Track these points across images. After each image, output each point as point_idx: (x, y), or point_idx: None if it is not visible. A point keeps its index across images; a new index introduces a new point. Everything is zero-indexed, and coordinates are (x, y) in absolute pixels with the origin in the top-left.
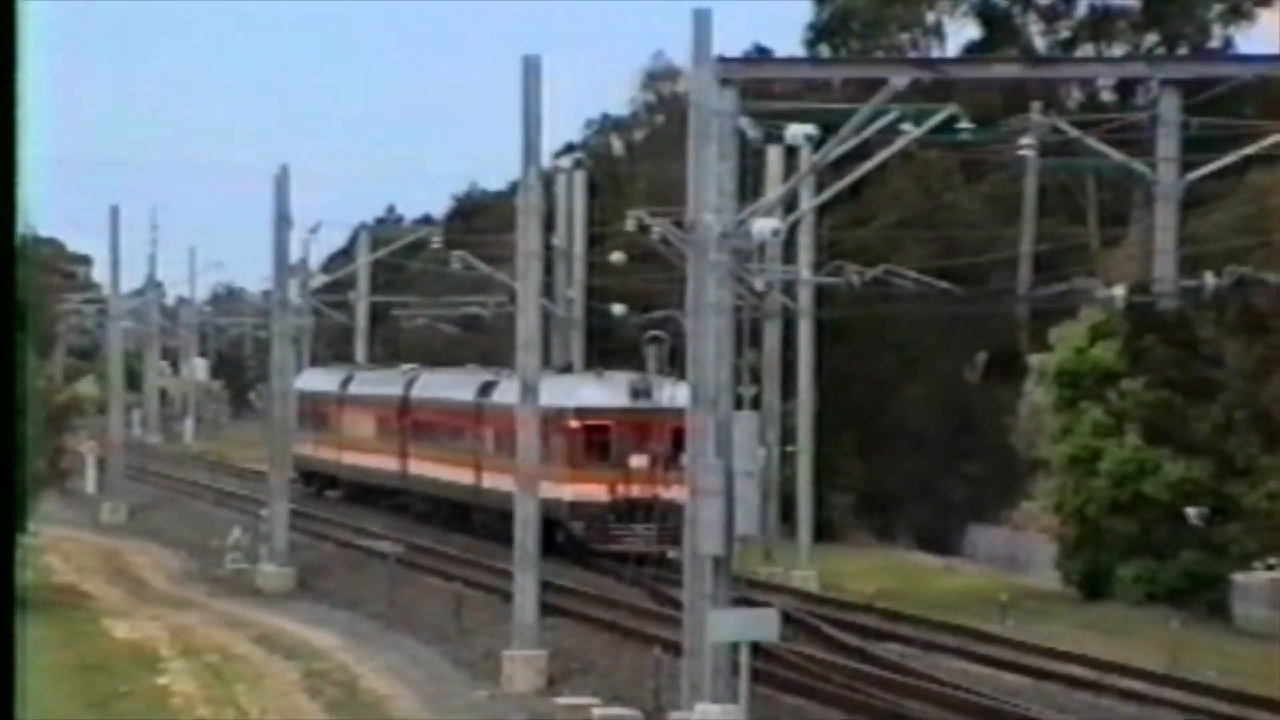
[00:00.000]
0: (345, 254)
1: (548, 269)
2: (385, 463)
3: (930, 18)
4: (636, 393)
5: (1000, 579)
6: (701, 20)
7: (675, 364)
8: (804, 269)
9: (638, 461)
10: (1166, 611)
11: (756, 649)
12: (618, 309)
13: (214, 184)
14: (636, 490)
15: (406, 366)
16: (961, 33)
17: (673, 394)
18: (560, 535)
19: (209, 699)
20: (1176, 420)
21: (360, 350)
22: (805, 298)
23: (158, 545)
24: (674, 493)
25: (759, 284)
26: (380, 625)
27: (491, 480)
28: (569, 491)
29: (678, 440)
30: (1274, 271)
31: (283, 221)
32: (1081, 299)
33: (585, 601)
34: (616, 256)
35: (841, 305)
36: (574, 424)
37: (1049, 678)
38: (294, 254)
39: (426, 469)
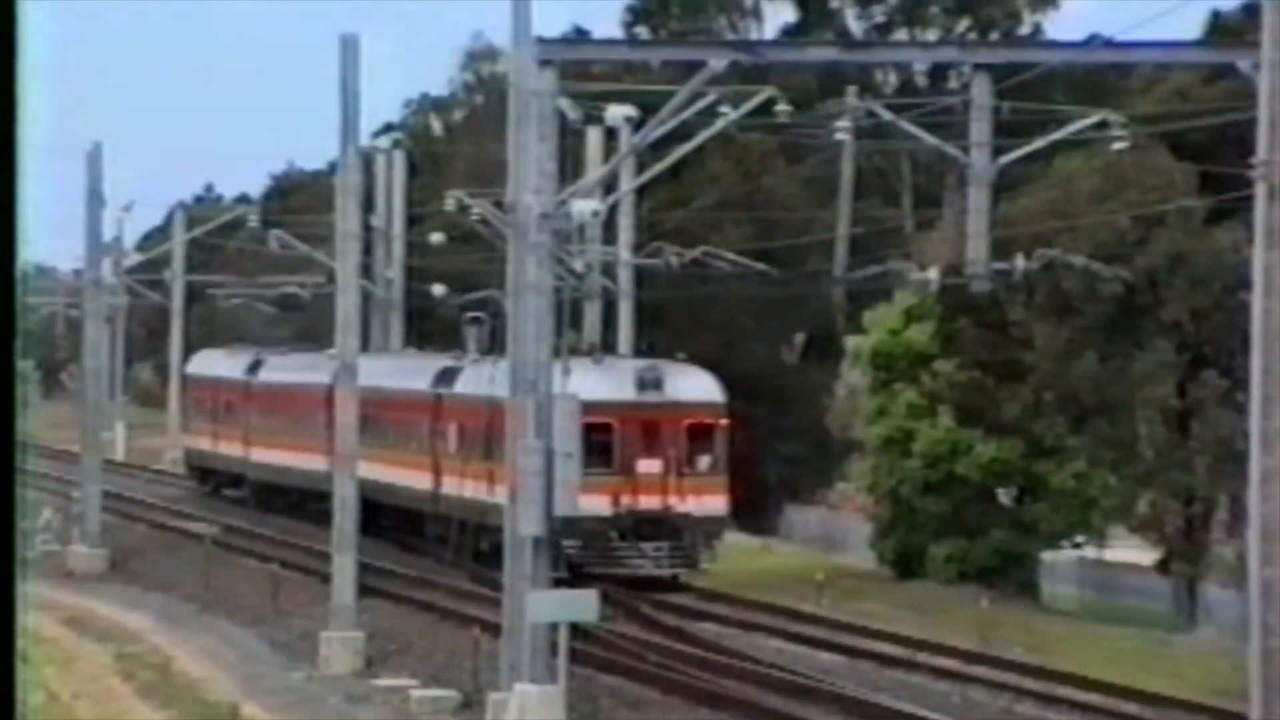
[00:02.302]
0: (161, 232)
1: (366, 249)
2: (311, 462)
3: (748, 1)
4: (644, 383)
5: (816, 559)
6: (520, 1)
7: (495, 345)
8: (624, 250)
9: (646, 466)
10: (977, 590)
11: (575, 630)
12: (437, 289)
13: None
14: (645, 501)
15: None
16: (779, 16)
17: (688, 384)
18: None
19: (20, 681)
20: (988, 401)
21: (176, 329)
22: (625, 279)
23: None
24: (690, 504)
25: (579, 265)
26: (195, 607)
27: (455, 486)
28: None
29: (694, 440)
30: (1081, 255)
31: (95, 199)
32: (896, 281)
33: (404, 583)
34: (436, 237)
35: (661, 287)
36: None
37: (862, 656)
38: (107, 232)
39: (374, 471)
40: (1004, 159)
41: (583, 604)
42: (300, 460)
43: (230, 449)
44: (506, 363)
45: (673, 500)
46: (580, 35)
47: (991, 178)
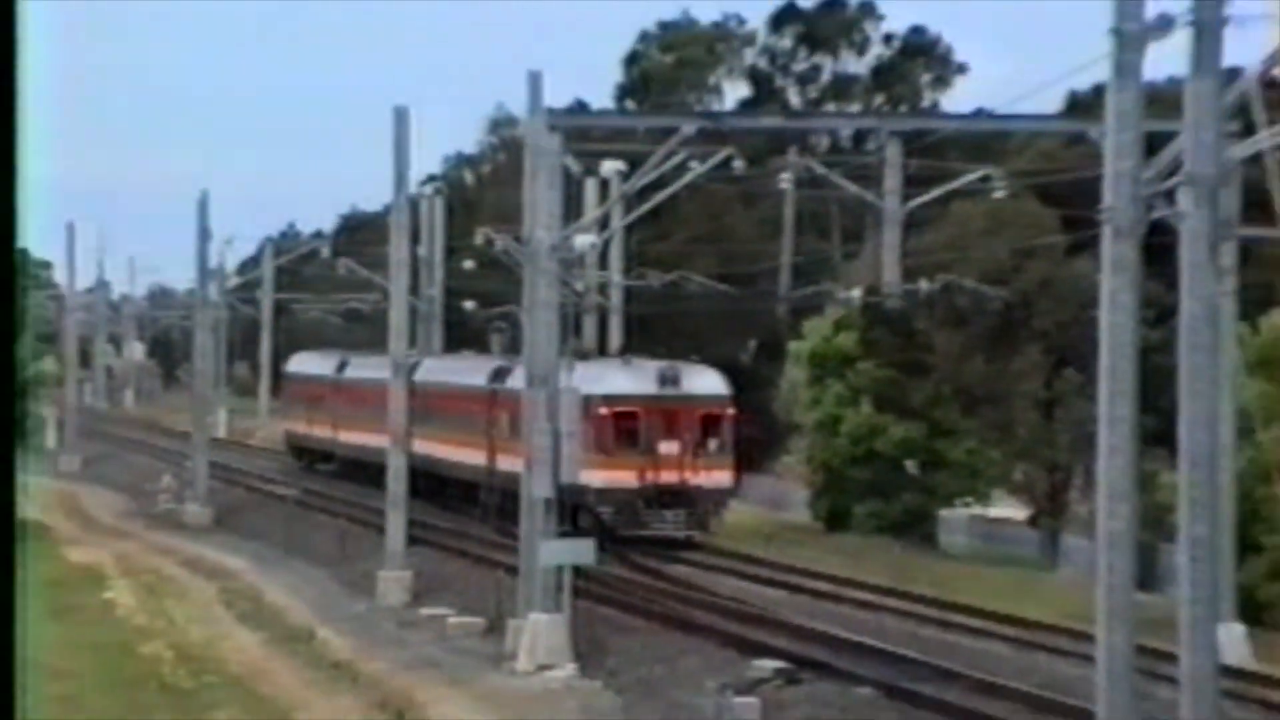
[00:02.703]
0: (254, 261)
1: (414, 273)
2: (385, 442)
3: (711, 80)
4: (664, 380)
5: (766, 516)
6: (535, 80)
7: (514, 349)
8: (615, 274)
9: (666, 448)
10: (890, 540)
11: (577, 571)
12: (469, 305)
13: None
14: (665, 476)
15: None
16: (736, 92)
17: (701, 382)
18: (585, 520)
19: (145, 609)
20: (899, 393)
21: (265, 337)
22: (616, 297)
23: (104, 489)
24: (702, 479)
25: (580, 286)
26: (281, 553)
27: (506, 463)
28: (598, 478)
29: (706, 427)
30: (971, 279)
31: (204, 234)
32: (827, 299)
33: (444, 534)
34: (468, 264)
35: (645, 303)
36: (602, 411)
37: (801, 591)
38: (213, 260)
39: (432, 449)
40: (911, 204)
41: (582, 550)
42: (376, 440)
43: (322, 431)
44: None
45: (688, 475)
46: (581, 106)
47: (901, 219)
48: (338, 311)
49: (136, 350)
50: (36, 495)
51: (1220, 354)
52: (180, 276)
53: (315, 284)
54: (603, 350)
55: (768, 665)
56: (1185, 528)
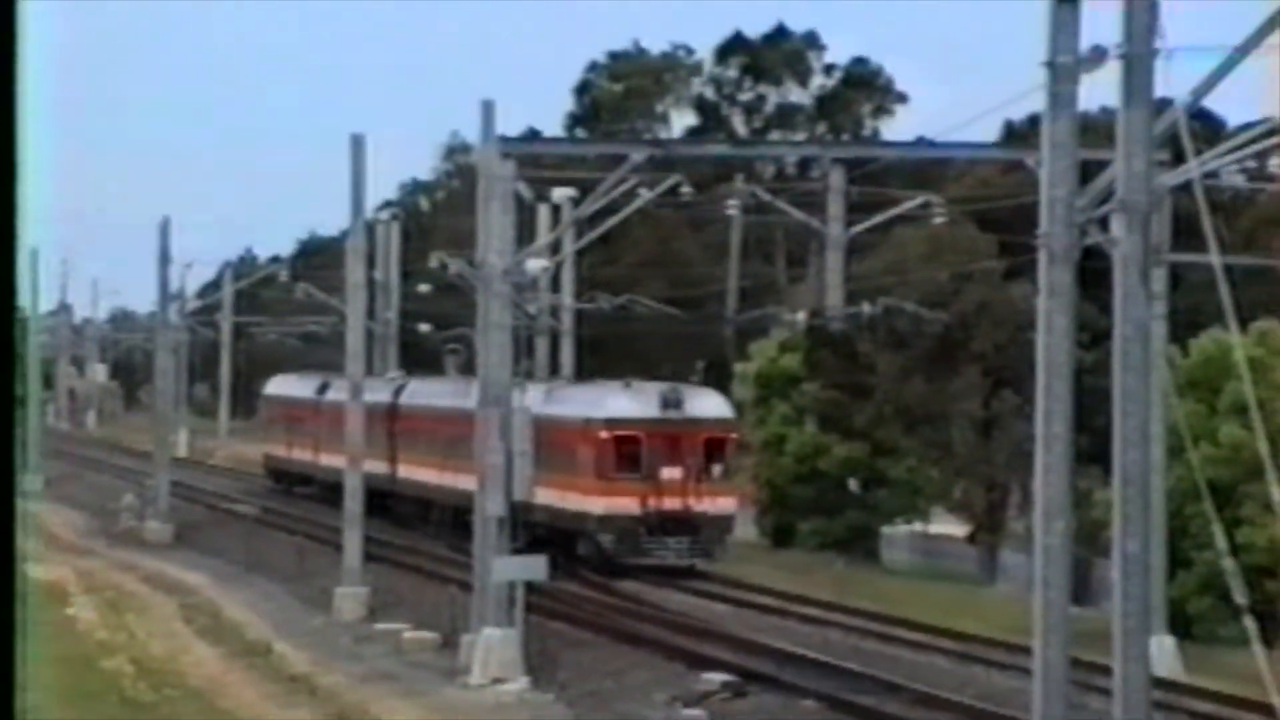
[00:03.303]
0: (214, 285)
1: (370, 297)
2: (372, 466)
3: (659, 108)
4: (667, 403)
5: None
6: (487, 109)
7: (469, 370)
8: (566, 297)
9: (669, 473)
10: (834, 556)
11: (529, 586)
12: (424, 327)
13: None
14: (668, 503)
15: (392, 373)
16: (684, 120)
17: (704, 404)
18: (585, 547)
19: (106, 625)
20: (842, 413)
21: (225, 358)
22: (568, 320)
23: (67, 507)
24: (706, 505)
25: (532, 309)
26: (240, 569)
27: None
28: (599, 504)
29: (710, 452)
30: (911, 303)
31: (165, 258)
32: (773, 322)
33: (399, 551)
34: (423, 288)
35: (595, 325)
36: (603, 435)
37: (746, 606)
38: (174, 284)
39: (417, 474)
40: (853, 229)
41: (535, 566)
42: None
43: (302, 455)
44: (533, 387)
45: (692, 502)
46: (533, 134)
47: (844, 244)
48: (296, 334)
49: (99, 372)
50: None
51: (1151, 375)
52: (142, 299)
53: (274, 307)
54: (554, 372)
55: (715, 678)
56: (1118, 543)
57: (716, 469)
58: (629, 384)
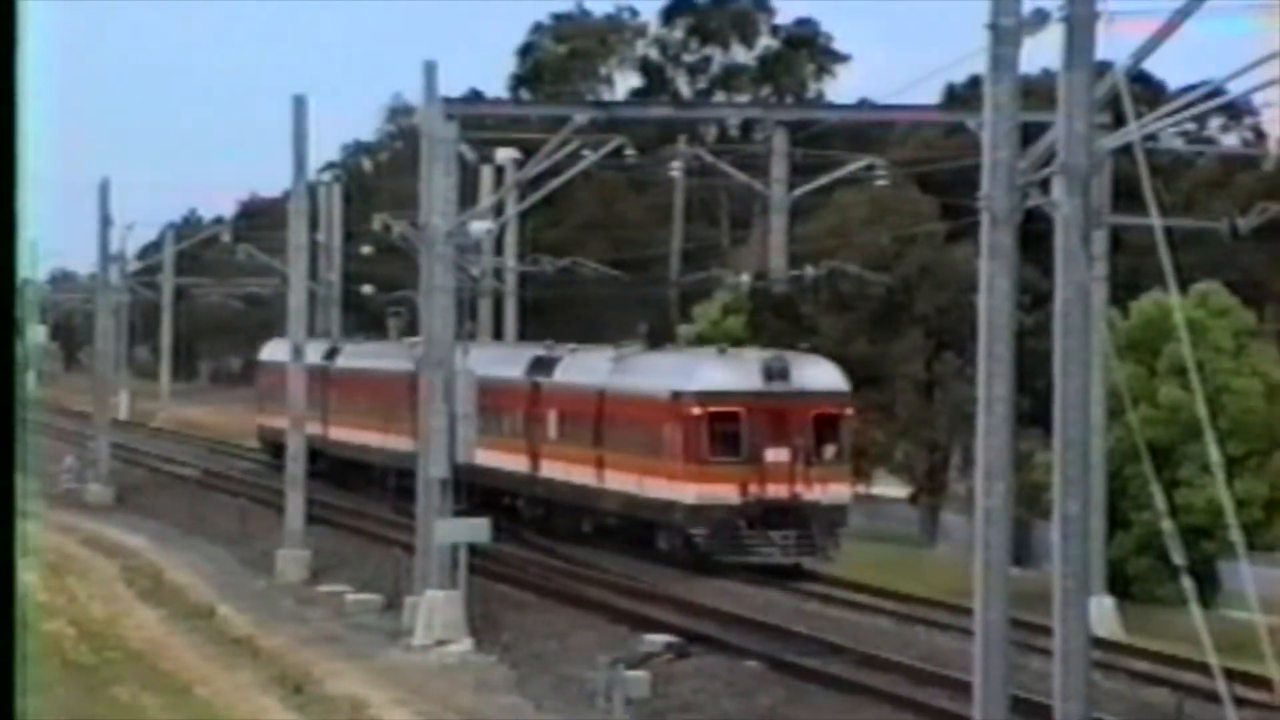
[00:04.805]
0: (155, 246)
1: (313, 259)
2: (394, 442)
3: (603, 70)
4: (771, 373)
5: None
6: (430, 70)
7: (411, 332)
8: (510, 259)
9: (774, 456)
10: None
11: (473, 549)
12: (367, 289)
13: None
14: (773, 490)
15: (410, 340)
16: (627, 81)
17: (814, 375)
18: (670, 540)
19: (48, 587)
20: None
21: (166, 320)
22: (511, 282)
23: None
24: (817, 493)
25: (475, 271)
26: (181, 531)
27: (550, 469)
28: (690, 492)
29: (821, 430)
30: (855, 265)
31: (105, 220)
32: (716, 284)
33: (342, 514)
34: (366, 250)
35: (539, 287)
36: (696, 411)
37: (689, 569)
38: (114, 245)
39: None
40: (797, 192)
41: (478, 529)
42: (380, 440)
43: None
44: (595, 353)
45: (800, 489)
46: (476, 95)
47: (788, 206)
48: (238, 296)
49: (38, 334)
50: None
51: (1092, 337)
52: (82, 261)
53: (216, 269)
54: (497, 335)
55: (658, 640)
56: (1058, 505)
57: (829, 450)
58: (724, 350)
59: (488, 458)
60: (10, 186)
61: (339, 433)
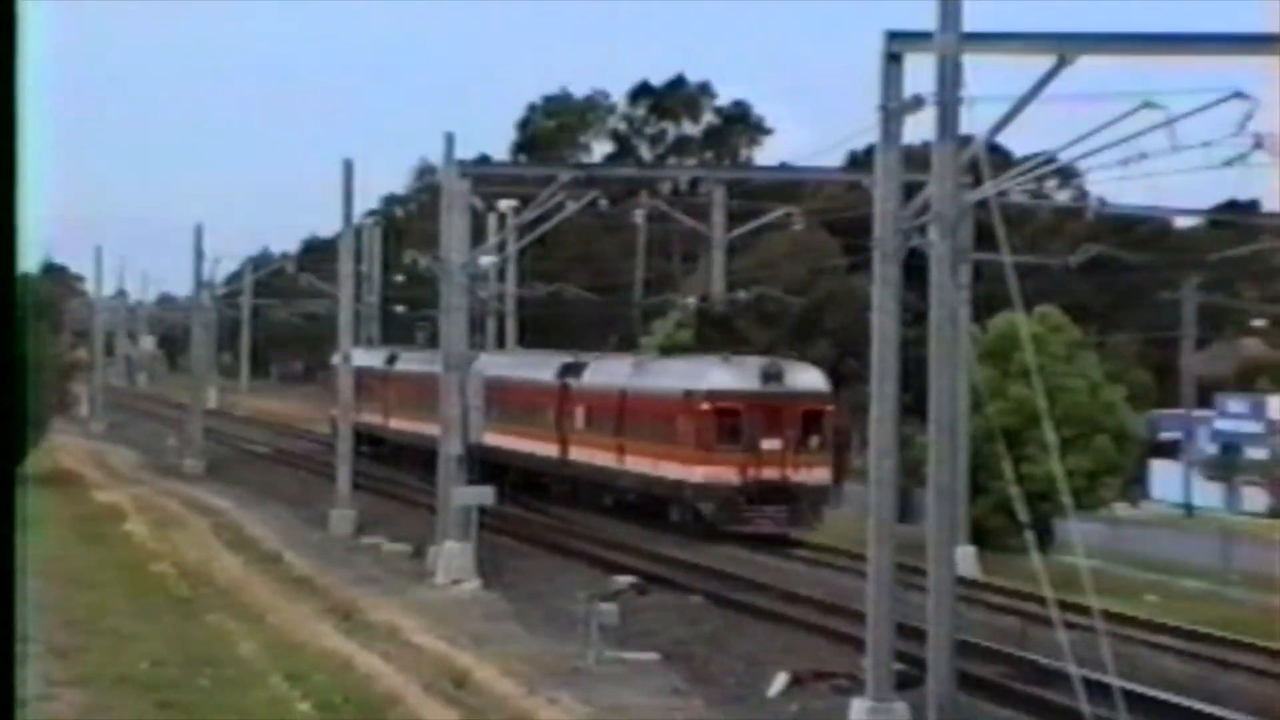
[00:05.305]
0: (237, 275)
1: (358, 284)
2: (432, 429)
3: (583, 139)
4: (767, 376)
5: None
6: (449, 139)
7: (433, 343)
8: (510, 286)
9: (768, 444)
10: None
11: (482, 510)
12: (399, 308)
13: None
14: (767, 473)
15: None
16: (602, 148)
17: (803, 378)
18: (680, 513)
19: (154, 538)
20: None
21: (245, 332)
22: (511, 304)
23: (124, 447)
24: (803, 475)
25: (483, 295)
26: (257, 496)
27: (578, 453)
28: (699, 473)
29: (807, 424)
30: (778, 290)
31: (199, 255)
32: (670, 305)
33: (381, 482)
34: (399, 278)
35: (533, 308)
36: (705, 406)
37: (649, 528)
38: (206, 274)
39: (489, 440)
40: (733, 234)
41: (485, 494)
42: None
43: (372, 419)
44: (614, 361)
45: (789, 472)
46: (485, 159)
47: (725, 245)
48: (300, 314)
49: (148, 343)
50: (74, 451)
51: (958, 347)
52: (181, 286)
53: (283, 293)
54: (500, 344)
55: (624, 580)
56: (932, 476)
57: (814, 440)
58: (728, 357)
59: (521, 444)
60: (10, 187)
61: (397, 423)
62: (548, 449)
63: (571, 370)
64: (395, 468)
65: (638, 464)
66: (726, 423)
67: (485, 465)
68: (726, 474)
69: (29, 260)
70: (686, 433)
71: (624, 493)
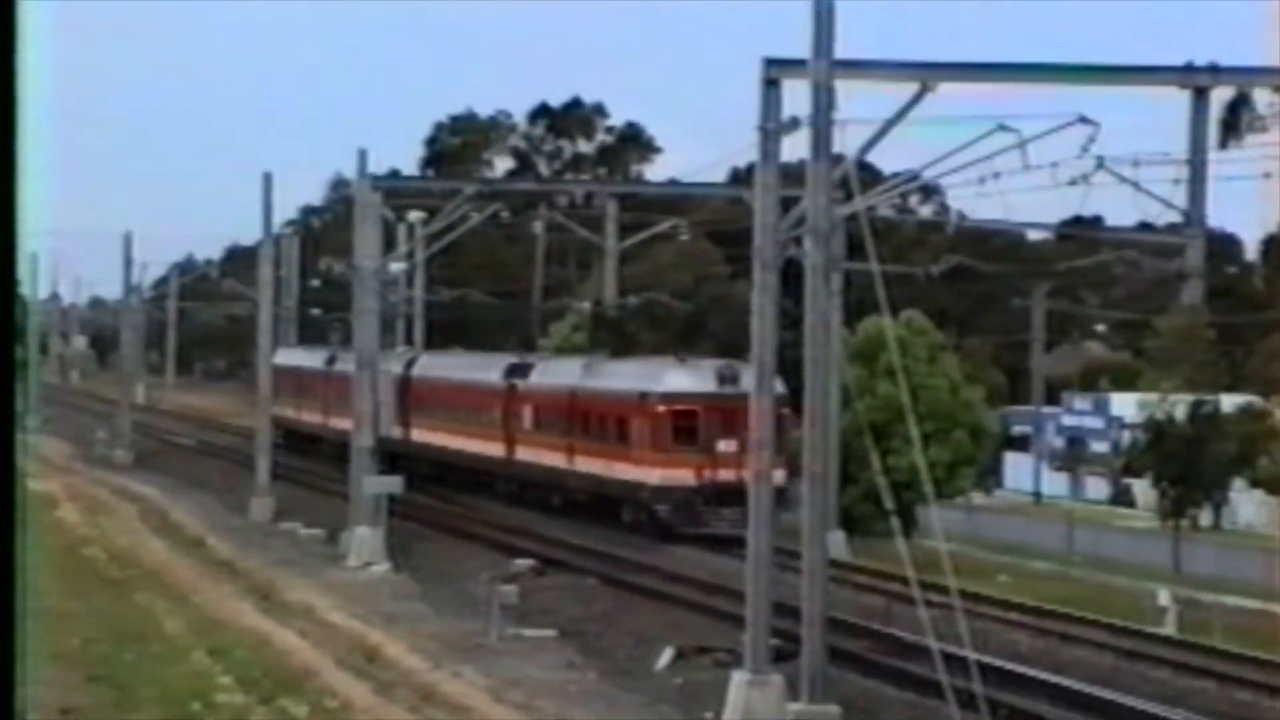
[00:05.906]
0: (164, 279)
1: (277, 289)
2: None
3: (486, 155)
4: (723, 379)
5: None
6: (362, 155)
7: (346, 343)
8: (418, 291)
9: (725, 446)
10: None
11: (391, 497)
12: (315, 311)
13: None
14: (723, 474)
15: (400, 349)
16: (504, 164)
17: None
18: (633, 514)
19: (85, 523)
20: None
21: (171, 334)
22: (419, 307)
23: (57, 439)
24: None
25: (393, 299)
26: (182, 484)
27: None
28: (656, 475)
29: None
30: (666, 295)
31: (128, 260)
32: (567, 309)
33: (297, 473)
34: (315, 283)
35: (440, 311)
36: (661, 409)
37: (555, 516)
38: (135, 279)
39: (432, 438)
40: (624, 244)
41: (393, 483)
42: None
43: (310, 418)
44: (563, 361)
45: (745, 473)
46: (395, 173)
47: (617, 254)
48: (222, 316)
49: (80, 343)
50: None
51: (831, 349)
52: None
53: (207, 296)
54: (409, 345)
55: (524, 563)
56: (807, 466)
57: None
58: (683, 359)
59: (466, 443)
60: (10, 187)
61: (337, 422)
62: (493, 449)
63: (519, 370)
64: (339, 465)
65: (589, 465)
66: (683, 424)
67: (426, 463)
68: (683, 475)
69: None
70: (643, 434)
71: (574, 493)
